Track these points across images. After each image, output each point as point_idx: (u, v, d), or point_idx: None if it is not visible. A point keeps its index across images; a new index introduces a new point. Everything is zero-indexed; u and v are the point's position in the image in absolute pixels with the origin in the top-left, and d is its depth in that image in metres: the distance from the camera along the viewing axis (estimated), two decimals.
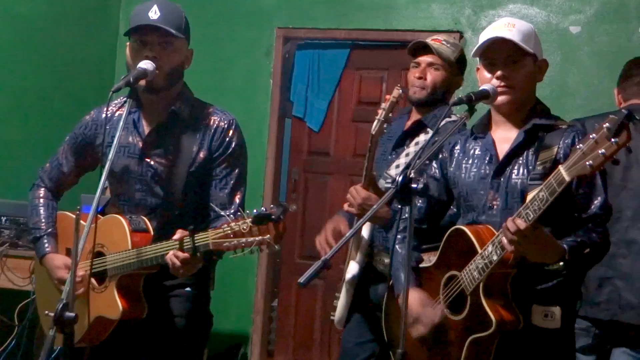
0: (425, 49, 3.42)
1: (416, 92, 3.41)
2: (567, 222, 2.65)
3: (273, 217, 2.54)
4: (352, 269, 3.42)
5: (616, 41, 5.08)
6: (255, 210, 2.57)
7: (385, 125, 3.29)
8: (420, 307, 2.81)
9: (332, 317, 3.54)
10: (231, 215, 2.69)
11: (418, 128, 3.42)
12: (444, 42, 3.44)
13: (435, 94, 3.39)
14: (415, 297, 2.82)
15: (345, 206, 3.34)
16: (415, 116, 3.47)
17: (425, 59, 3.43)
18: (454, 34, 5.27)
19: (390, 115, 3.28)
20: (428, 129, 3.36)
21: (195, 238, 2.70)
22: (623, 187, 3.55)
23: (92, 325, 2.92)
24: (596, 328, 3.61)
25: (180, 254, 2.73)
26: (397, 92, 3.28)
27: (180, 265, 2.74)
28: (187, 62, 3.03)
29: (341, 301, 3.49)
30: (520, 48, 2.69)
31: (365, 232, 3.41)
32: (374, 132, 3.29)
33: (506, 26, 2.72)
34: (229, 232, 2.60)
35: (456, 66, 3.44)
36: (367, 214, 2.66)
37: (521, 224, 2.46)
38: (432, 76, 3.40)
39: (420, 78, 3.41)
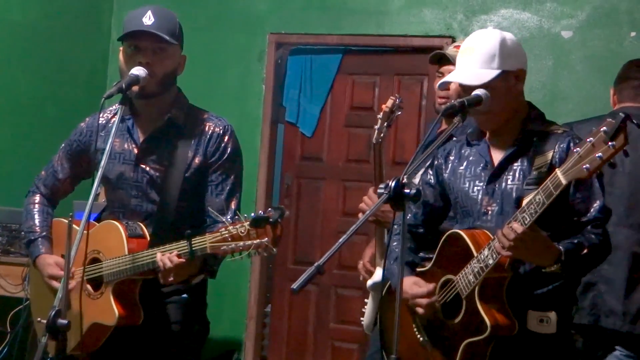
0: (447, 58, 3.41)
1: (441, 104, 3.40)
2: (567, 226, 2.65)
3: (271, 220, 2.54)
4: (377, 275, 3.45)
5: (608, 46, 5.09)
6: (252, 214, 2.57)
7: (382, 134, 3.30)
8: (416, 287, 2.80)
9: (362, 322, 3.61)
10: (229, 220, 2.68)
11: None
12: None
13: None
14: (407, 282, 2.80)
15: (360, 215, 3.36)
16: (444, 125, 3.47)
17: (448, 68, 3.42)
18: (446, 39, 5.28)
19: (385, 124, 3.29)
20: (454, 138, 3.36)
21: (193, 242, 2.69)
22: (609, 192, 3.55)
23: (87, 332, 2.90)
24: (578, 333, 3.60)
25: (174, 258, 2.72)
26: (391, 101, 3.30)
27: (171, 267, 2.72)
28: (180, 69, 3.02)
29: (369, 307, 3.55)
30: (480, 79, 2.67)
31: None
32: (374, 142, 3.33)
33: (467, 52, 2.72)
34: (227, 235, 2.60)
35: None
36: (361, 218, 2.67)
37: (518, 227, 2.46)
38: (455, 86, 3.39)
39: (444, 89, 3.39)
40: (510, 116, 2.75)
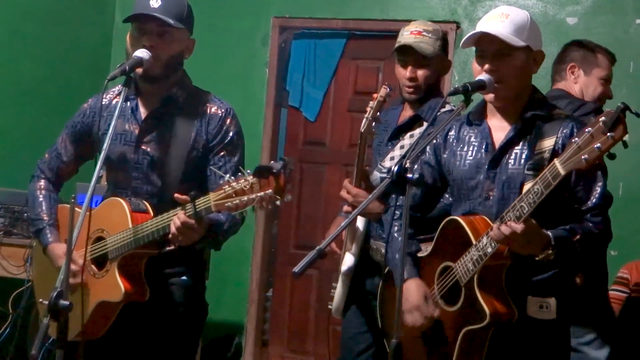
0: (411, 47, 3.36)
1: (411, 93, 3.35)
2: (568, 215, 2.63)
3: (274, 170, 2.52)
4: (348, 260, 3.43)
5: (613, 33, 5.07)
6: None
7: (373, 124, 3.28)
8: (421, 298, 2.79)
9: (329, 306, 3.57)
10: (231, 177, 2.65)
11: (413, 120, 3.40)
12: (424, 32, 3.34)
13: (428, 88, 3.36)
14: (415, 288, 2.81)
15: (345, 207, 3.36)
16: (409, 109, 3.45)
17: (413, 57, 3.35)
18: (451, 25, 5.27)
19: (378, 114, 3.27)
20: (424, 122, 3.34)
21: (197, 202, 2.68)
22: None
23: (94, 313, 2.89)
24: None
25: (182, 216, 2.70)
26: (384, 90, 3.26)
27: (180, 226, 2.71)
28: (188, 52, 3.01)
29: (338, 291, 3.51)
30: (511, 40, 2.66)
31: (360, 223, 3.42)
32: (362, 130, 3.29)
33: (499, 17, 2.69)
34: (231, 192, 2.58)
35: (441, 53, 3.39)
36: (360, 205, 2.66)
37: (514, 226, 2.46)
38: (423, 74, 3.33)
39: (411, 79, 3.35)
40: (517, 95, 2.74)
